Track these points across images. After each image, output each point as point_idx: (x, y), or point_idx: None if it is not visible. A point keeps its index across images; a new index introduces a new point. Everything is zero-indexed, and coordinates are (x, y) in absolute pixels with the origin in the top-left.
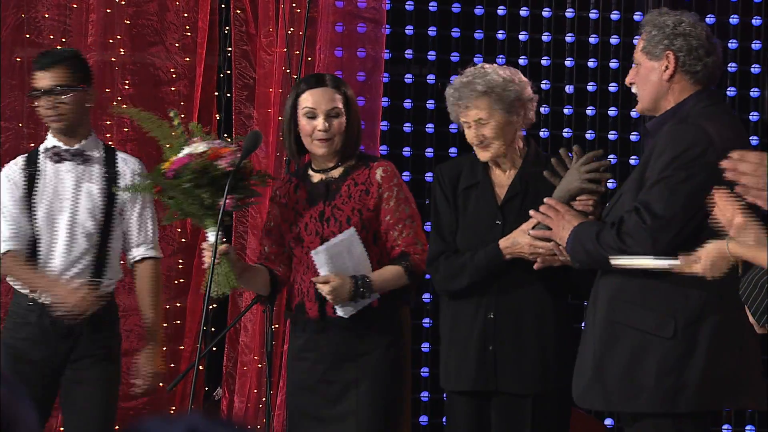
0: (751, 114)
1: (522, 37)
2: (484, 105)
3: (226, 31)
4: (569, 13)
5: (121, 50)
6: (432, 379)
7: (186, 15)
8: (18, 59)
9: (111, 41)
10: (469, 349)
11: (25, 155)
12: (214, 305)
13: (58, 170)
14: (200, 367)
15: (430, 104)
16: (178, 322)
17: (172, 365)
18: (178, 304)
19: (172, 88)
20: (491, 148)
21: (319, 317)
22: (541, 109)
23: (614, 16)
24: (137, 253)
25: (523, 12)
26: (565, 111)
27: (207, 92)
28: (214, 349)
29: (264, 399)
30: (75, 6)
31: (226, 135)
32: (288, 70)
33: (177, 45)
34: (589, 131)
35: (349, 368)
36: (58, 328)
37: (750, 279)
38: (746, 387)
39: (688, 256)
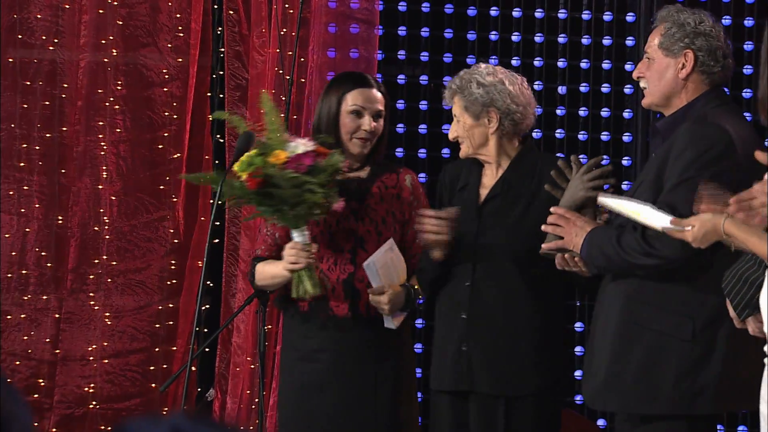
0: (743, 115)
1: (515, 38)
2: (456, 104)
3: (218, 32)
4: (562, 14)
5: (114, 51)
6: (425, 380)
7: (179, 16)
8: (10, 60)
9: (103, 42)
10: (447, 349)
11: None
12: (207, 306)
13: None
14: (193, 368)
15: (423, 105)
16: (171, 323)
17: (165, 366)
18: (171, 305)
19: (165, 89)
20: (463, 146)
21: (351, 316)
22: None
23: (607, 17)
24: None
25: (516, 13)
26: (558, 112)
27: (200, 93)
28: (207, 350)
29: (257, 400)
30: (67, 7)
31: (218, 136)
32: (281, 71)
33: (169, 46)
34: (582, 132)
35: (368, 371)
36: None
37: (734, 273)
38: None
39: (681, 220)
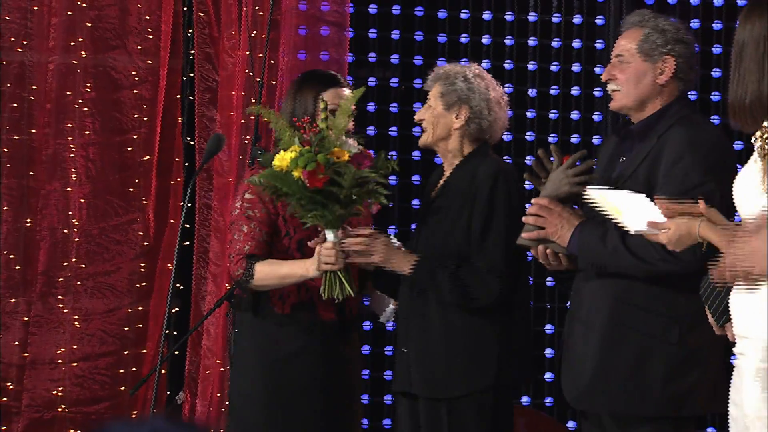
0: (712, 117)
1: (485, 40)
2: (435, 89)
3: (188, 34)
4: (532, 17)
5: (83, 53)
6: (371, 382)
7: (148, 18)
8: None
9: (72, 44)
10: (397, 351)
11: None
12: (177, 309)
13: None
14: (162, 371)
15: (394, 107)
16: (141, 326)
17: (134, 369)
18: (141, 308)
19: (135, 92)
20: (423, 134)
21: (337, 320)
22: None
23: (577, 20)
24: None
25: (486, 16)
26: (528, 115)
27: (170, 95)
28: (177, 352)
29: (227, 403)
30: (36, 9)
31: (189, 138)
32: (251, 73)
33: (139, 48)
34: (552, 135)
35: (349, 374)
36: None
37: (711, 280)
38: None
39: (657, 223)
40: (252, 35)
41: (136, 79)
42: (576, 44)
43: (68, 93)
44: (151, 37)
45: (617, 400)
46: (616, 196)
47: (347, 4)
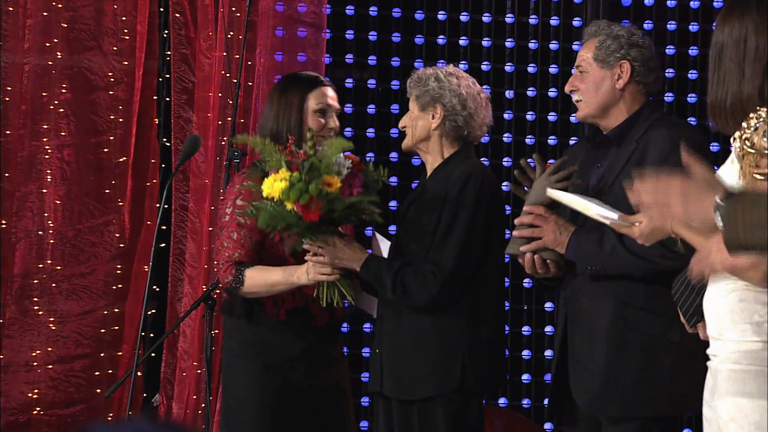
0: (689, 119)
1: (462, 42)
2: (411, 94)
3: (164, 35)
4: (509, 19)
5: (58, 54)
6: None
7: (124, 19)
8: None
9: (48, 45)
10: (372, 352)
11: None
12: (153, 311)
13: None
14: (138, 374)
15: (371, 109)
16: (116, 328)
17: (110, 371)
18: (117, 310)
19: (110, 93)
20: (406, 138)
21: (330, 324)
22: None
23: (554, 21)
24: None
25: (464, 17)
26: (506, 116)
27: (146, 96)
28: (153, 355)
29: (203, 405)
30: (11, 9)
31: (165, 139)
32: (228, 74)
33: (115, 49)
34: (529, 136)
35: (340, 379)
36: None
37: (682, 280)
38: None
39: (629, 216)
40: (229, 36)
41: (111, 80)
42: (553, 46)
43: (44, 94)
44: (127, 38)
45: (631, 402)
46: (576, 198)
47: (324, 5)
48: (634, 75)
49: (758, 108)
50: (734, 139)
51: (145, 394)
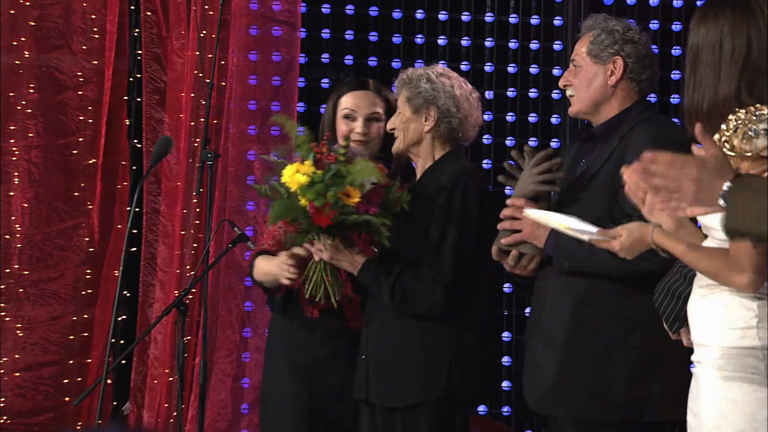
0: (672, 120)
1: (441, 41)
2: (402, 94)
3: (135, 34)
4: (489, 18)
5: (26, 53)
6: None
7: (93, 17)
8: None
9: (15, 44)
10: (358, 358)
11: None
12: (123, 317)
13: None
14: (108, 381)
15: None
16: (86, 334)
17: (79, 379)
18: (86, 316)
19: (79, 93)
20: (396, 141)
21: (357, 327)
22: None
23: (534, 20)
24: None
25: (442, 16)
26: (485, 117)
27: (116, 96)
28: (123, 362)
29: (175, 413)
30: None
31: (136, 141)
32: (201, 74)
33: (84, 48)
34: (509, 138)
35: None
36: None
37: (663, 286)
38: None
39: (607, 230)
40: (201, 35)
41: (81, 80)
42: (533, 45)
43: (11, 94)
44: (97, 36)
45: (579, 405)
46: (554, 216)
47: (299, 3)
48: (627, 72)
49: (737, 110)
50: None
51: (115, 403)
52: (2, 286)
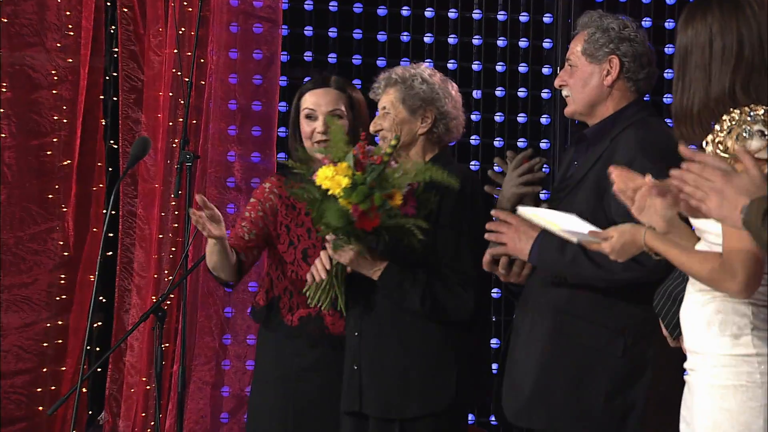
0: (665, 121)
1: (427, 39)
2: (390, 95)
3: (111, 31)
4: (476, 15)
5: None
6: None
7: (68, 14)
8: None
9: None
10: (346, 368)
11: None
12: (99, 323)
13: None
14: (83, 390)
15: None
16: (60, 341)
17: (53, 388)
18: (60, 322)
19: (54, 92)
20: (383, 142)
21: (343, 333)
22: None
23: (523, 18)
24: None
25: (429, 13)
26: (473, 117)
27: (92, 95)
28: (99, 370)
29: (152, 423)
30: None
31: (112, 141)
32: (179, 73)
33: (59, 45)
34: (498, 138)
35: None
36: None
37: (663, 291)
38: None
39: (599, 232)
40: (180, 32)
41: (55, 78)
42: (522, 43)
43: None
44: (72, 33)
45: (557, 417)
46: (549, 213)
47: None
48: (623, 71)
49: (731, 110)
50: (706, 143)
51: (90, 412)
52: None
